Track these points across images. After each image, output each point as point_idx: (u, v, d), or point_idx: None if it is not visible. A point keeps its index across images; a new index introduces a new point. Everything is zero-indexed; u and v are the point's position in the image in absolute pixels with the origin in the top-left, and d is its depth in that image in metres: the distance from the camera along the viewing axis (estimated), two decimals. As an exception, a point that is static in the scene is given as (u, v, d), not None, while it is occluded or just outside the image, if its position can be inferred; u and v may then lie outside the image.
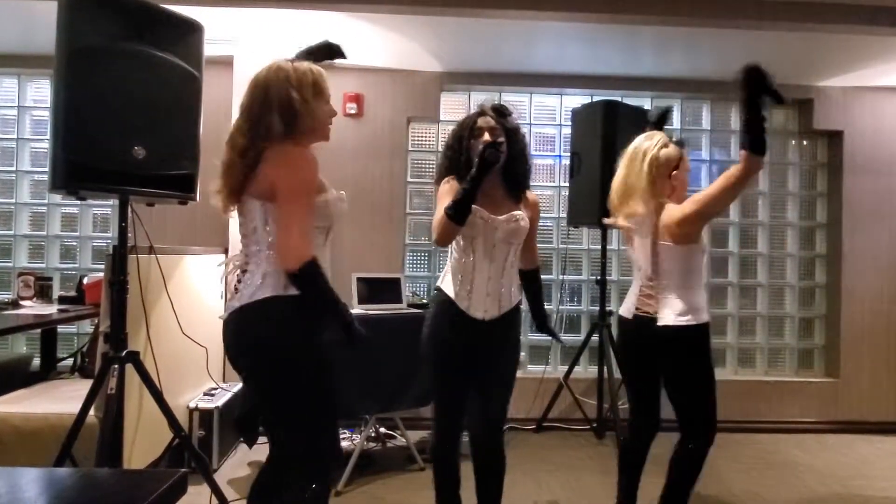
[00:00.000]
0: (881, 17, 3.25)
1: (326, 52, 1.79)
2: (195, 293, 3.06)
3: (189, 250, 3.11)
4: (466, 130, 2.06)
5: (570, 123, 3.91)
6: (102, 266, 2.91)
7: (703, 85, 4.20)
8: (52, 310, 3.09)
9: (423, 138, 4.24)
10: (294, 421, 1.65)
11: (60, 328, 3.63)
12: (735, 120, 4.38)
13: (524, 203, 2.15)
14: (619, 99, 3.88)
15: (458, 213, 1.89)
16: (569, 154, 3.88)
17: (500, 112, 2.10)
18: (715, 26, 3.30)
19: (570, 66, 4.02)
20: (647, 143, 2.33)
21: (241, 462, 3.20)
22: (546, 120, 4.34)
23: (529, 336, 4.01)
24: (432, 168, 4.17)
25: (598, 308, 3.80)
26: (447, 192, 2.02)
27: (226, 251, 3.49)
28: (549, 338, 2.34)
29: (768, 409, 4.15)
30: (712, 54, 3.71)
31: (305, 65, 1.71)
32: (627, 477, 2.43)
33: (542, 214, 4.13)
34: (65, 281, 3.97)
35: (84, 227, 4.08)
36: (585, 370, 4.15)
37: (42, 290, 3.35)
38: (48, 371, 3.36)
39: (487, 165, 1.88)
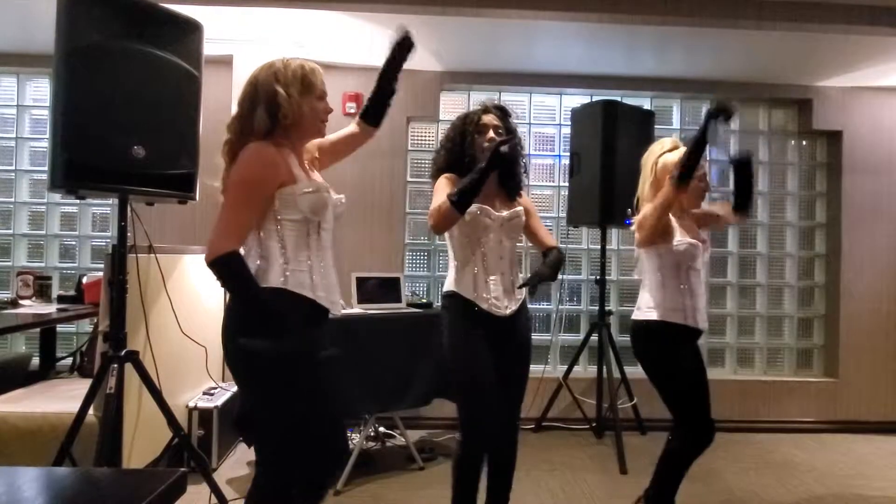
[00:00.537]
0: (881, 17, 3.25)
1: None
2: (194, 293, 3.05)
3: (188, 250, 3.10)
4: (471, 126, 2.06)
5: (569, 123, 3.90)
6: (102, 265, 2.91)
7: (703, 85, 4.20)
8: (51, 309, 3.09)
9: (423, 138, 4.24)
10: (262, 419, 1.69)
11: (59, 327, 3.62)
12: (735, 120, 4.38)
13: (519, 203, 2.17)
14: (618, 99, 3.89)
15: (461, 201, 1.88)
16: (568, 154, 3.88)
17: (503, 112, 2.12)
18: (715, 26, 3.30)
19: (569, 66, 4.02)
20: (656, 148, 2.39)
21: (241, 461, 3.20)
22: (546, 120, 4.34)
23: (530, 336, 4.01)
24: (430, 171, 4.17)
25: (597, 308, 3.80)
26: (445, 185, 2.02)
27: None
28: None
29: (767, 408, 4.15)
30: (712, 54, 3.72)
31: (298, 61, 1.73)
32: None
33: (541, 214, 4.18)
34: (64, 280, 3.97)
35: (83, 226, 4.08)
36: (585, 370, 4.15)
37: (41, 290, 3.34)
38: (47, 370, 3.36)
39: (501, 159, 1.86)
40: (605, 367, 3.65)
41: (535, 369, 4.07)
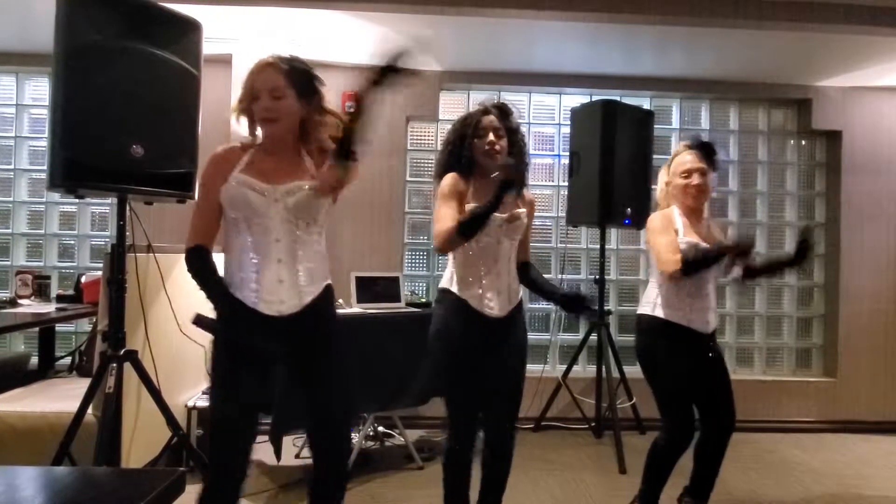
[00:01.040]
0: (880, 17, 3.25)
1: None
2: (193, 292, 3.04)
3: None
4: (470, 129, 2.05)
5: (569, 123, 3.90)
6: (101, 265, 2.91)
7: (703, 84, 4.21)
8: (50, 308, 3.08)
9: (423, 137, 4.23)
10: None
11: (58, 327, 3.62)
12: (734, 120, 4.39)
13: (522, 201, 2.16)
14: (618, 98, 3.89)
15: (470, 231, 1.91)
16: (568, 153, 3.88)
17: (503, 111, 2.10)
18: (714, 26, 3.30)
19: (569, 66, 4.02)
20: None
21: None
22: (545, 119, 4.34)
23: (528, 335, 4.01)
24: (431, 167, 4.16)
25: (596, 307, 3.80)
26: (449, 192, 2.01)
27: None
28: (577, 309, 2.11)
29: (766, 408, 4.15)
30: (711, 54, 3.72)
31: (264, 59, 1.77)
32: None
33: (541, 214, 4.21)
34: (63, 279, 3.96)
35: (82, 225, 4.07)
36: (584, 369, 4.15)
37: (40, 289, 3.34)
38: (46, 370, 3.36)
39: (509, 187, 1.88)
40: (604, 366, 3.65)
41: (534, 369, 4.09)
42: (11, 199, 4.03)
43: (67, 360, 3.51)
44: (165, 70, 2.17)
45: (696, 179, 2.31)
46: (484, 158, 2.04)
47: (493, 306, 2.06)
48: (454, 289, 2.07)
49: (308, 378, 1.77)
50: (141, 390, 2.35)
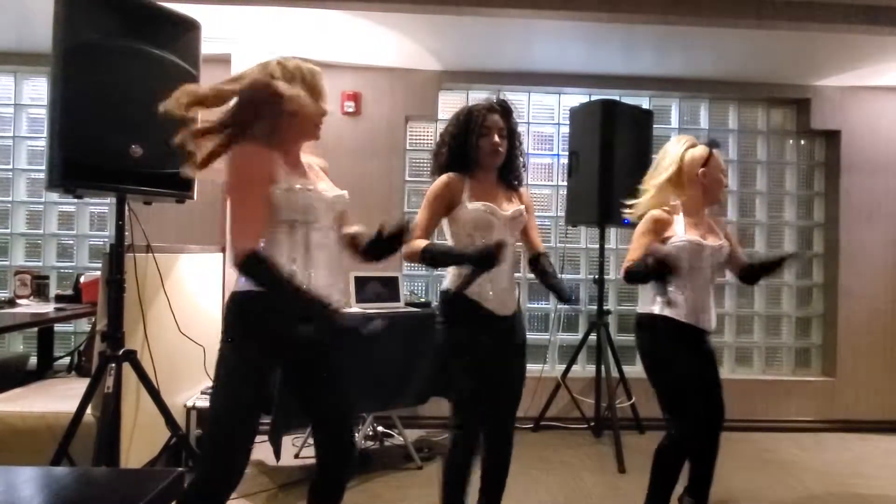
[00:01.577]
0: (879, 16, 3.25)
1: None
2: (192, 292, 3.05)
3: (186, 249, 3.10)
4: (476, 126, 2.04)
5: (568, 122, 3.90)
6: (99, 264, 2.90)
7: (702, 84, 4.21)
8: (48, 308, 3.08)
9: (421, 137, 4.23)
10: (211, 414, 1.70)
11: (57, 327, 3.62)
12: (733, 120, 4.39)
13: (519, 198, 2.18)
14: (617, 98, 3.89)
15: (432, 266, 2.12)
16: (567, 153, 3.88)
17: (506, 110, 2.11)
18: (713, 26, 3.30)
19: (568, 65, 4.02)
20: (677, 144, 2.42)
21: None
22: (544, 119, 4.34)
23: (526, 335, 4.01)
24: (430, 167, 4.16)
25: (596, 307, 3.80)
26: (438, 197, 2.03)
27: (223, 250, 3.48)
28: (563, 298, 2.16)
29: (765, 408, 4.16)
30: (711, 54, 3.72)
31: (294, 61, 1.75)
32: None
33: (540, 213, 4.22)
34: (62, 279, 3.96)
35: (81, 225, 4.07)
36: (583, 369, 4.15)
37: (39, 289, 3.34)
38: (45, 370, 3.35)
39: (485, 268, 1.89)
40: (603, 366, 3.65)
41: (534, 368, 4.09)
42: (10, 198, 4.02)
43: (66, 360, 3.50)
44: (164, 70, 2.17)
45: (726, 179, 2.38)
46: (488, 158, 2.05)
47: (498, 305, 2.07)
48: (459, 282, 2.06)
49: (320, 377, 1.78)
50: (140, 390, 2.34)
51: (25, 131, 4.06)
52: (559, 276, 2.19)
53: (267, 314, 1.63)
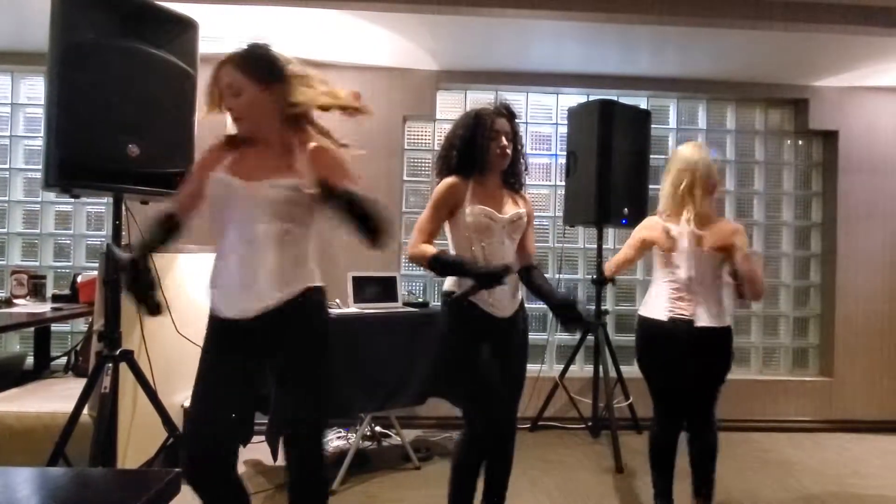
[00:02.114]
0: (876, 17, 3.26)
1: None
2: (190, 292, 3.04)
3: (184, 249, 3.09)
4: (486, 130, 2.07)
5: (566, 122, 3.90)
6: (96, 264, 2.90)
7: (700, 84, 4.21)
8: (45, 308, 3.07)
9: (419, 137, 4.23)
10: None
11: (54, 327, 3.60)
12: (731, 120, 4.40)
13: (520, 200, 2.21)
14: (615, 98, 3.89)
15: (440, 274, 2.14)
16: (565, 153, 3.88)
17: (511, 115, 2.17)
18: (711, 26, 3.30)
19: (566, 65, 4.02)
20: (700, 151, 2.44)
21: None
22: (542, 119, 4.34)
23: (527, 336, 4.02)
24: (428, 167, 4.16)
25: (593, 307, 3.80)
26: (444, 200, 2.06)
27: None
28: (576, 322, 2.14)
29: (763, 408, 4.16)
30: (708, 54, 3.72)
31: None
32: (665, 475, 2.51)
33: (538, 213, 4.21)
34: (58, 279, 3.95)
35: (78, 225, 4.06)
36: (581, 369, 4.16)
37: (35, 289, 3.33)
38: (42, 370, 3.34)
39: (488, 286, 1.94)
40: (601, 366, 3.65)
41: (532, 369, 4.05)
42: (7, 198, 4.01)
43: (63, 360, 3.49)
44: (161, 69, 2.16)
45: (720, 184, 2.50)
46: (496, 160, 2.09)
47: (499, 307, 2.09)
48: (459, 290, 2.07)
49: (280, 384, 1.74)
50: (137, 390, 2.34)
51: (22, 131, 4.04)
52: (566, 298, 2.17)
53: None
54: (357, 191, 1.63)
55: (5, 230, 4.01)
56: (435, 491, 2.22)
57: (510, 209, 2.12)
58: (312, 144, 1.68)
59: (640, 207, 3.69)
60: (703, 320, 2.36)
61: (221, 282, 1.67)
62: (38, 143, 3.92)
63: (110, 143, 2.04)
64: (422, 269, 2.33)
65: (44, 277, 3.46)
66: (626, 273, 4.34)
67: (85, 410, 2.20)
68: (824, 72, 4.00)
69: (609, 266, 2.68)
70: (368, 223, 1.63)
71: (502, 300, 2.09)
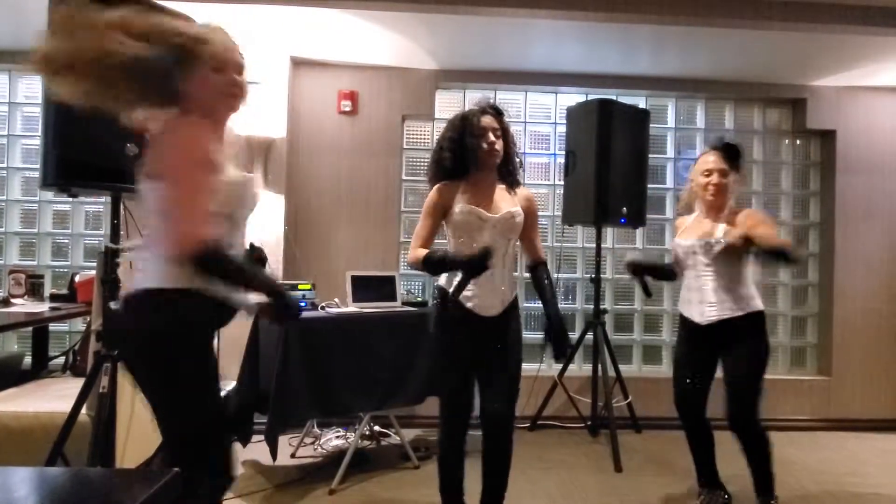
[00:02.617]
0: (874, 17, 3.27)
1: None
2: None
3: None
4: (473, 128, 2.09)
5: (565, 122, 3.90)
6: (94, 264, 2.89)
7: (698, 84, 4.22)
8: (43, 308, 3.07)
9: (418, 136, 4.23)
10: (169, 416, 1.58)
11: (52, 326, 3.59)
12: (729, 119, 4.40)
13: (518, 198, 2.22)
14: (614, 98, 3.89)
15: (432, 273, 2.14)
16: (564, 152, 3.88)
17: (498, 111, 2.17)
18: (710, 26, 3.31)
19: (565, 65, 4.02)
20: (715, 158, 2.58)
21: (235, 460, 3.18)
22: (541, 118, 4.34)
23: (524, 333, 4.02)
24: (427, 166, 4.15)
25: (592, 306, 3.80)
26: (434, 208, 2.12)
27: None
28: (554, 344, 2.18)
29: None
30: (707, 54, 3.73)
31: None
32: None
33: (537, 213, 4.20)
34: (56, 279, 3.94)
35: (76, 224, 4.05)
36: (580, 368, 4.16)
37: (33, 288, 3.32)
38: (39, 369, 3.33)
39: (474, 273, 1.95)
40: (600, 365, 3.65)
41: (531, 367, 4.08)
42: (4, 197, 4.00)
43: (61, 359, 3.48)
44: (160, 68, 2.15)
45: (714, 178, 2.48)
46: (487, 157, 2.10)
47: (487, 306, 2.11)
48: (447, 287, 2.12)
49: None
50: (135, 390, 2.33)
51: (20, 130, 4.03)
52: (559, 310, 2.21)
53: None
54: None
55: (3, 229, 4.00)
56: (434, 490, 2.22)
57: (504, 207, 2.14)
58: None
59: (638, 207, 3.70)
60: None
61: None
62: (36, 142, 3.91)
63: (108, 143, 2.03)
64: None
65: (42, 277, 3.45)
66: (624, 272, 4.33)
67: (83, 410, 2.20)
68: (822, 71, 4.01)
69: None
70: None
71: (485, 299, 2.11)
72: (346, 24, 3.33)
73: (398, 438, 3.31)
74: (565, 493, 2.92)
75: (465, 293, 2.05)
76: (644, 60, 3.90)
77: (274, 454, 2.81)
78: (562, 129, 4.07)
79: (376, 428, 3.51)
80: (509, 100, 4.22)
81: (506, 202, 2.17)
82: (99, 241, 3.97)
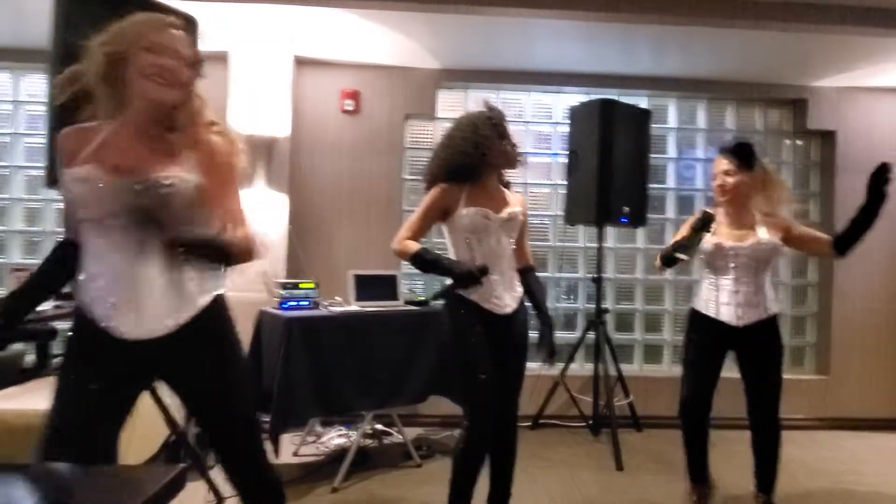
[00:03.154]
0: (874, 18, 3.27)
1: None
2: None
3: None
4: (505, 132, 2.15)
5: (567, 121, 3.91)
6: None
7: (699, 84, 4.22)
8: (46, 306, 3.07)
9: (421, 135, 4.23)
10: None
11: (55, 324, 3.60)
12: (731, 120, 4.40)
13: (515, 199, 2.26)
14: (616, 97, 3.89)
15: (421, 270, 2.15)
16: (566, 152, 3.88)
17: (502, 116, 2.21)
18: (711, 26, 3.31)
19: (567, 65, 4.02)
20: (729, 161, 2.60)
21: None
22: (543, 118, 4.34)
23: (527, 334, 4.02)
24: (427, 164, 4.15)
25: (594, 305, 3.81)
26: (437, 204, 2.13)
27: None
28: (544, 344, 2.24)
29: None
30: (708, 54, 3.73)
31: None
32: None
33: (538, 212, 4.22)
34: (59, 277, 3.94)
35: (78, 222, 4.05)
36: (581, 367, 4.16)
37: (36, 287, 3.32)
38: (42, 367, 3.34)
39: (466, 285, 2.01)
40: (601, 364, 3.66)
41: (532, 367, 4.07)
42: (8, 196, 4.01)
43: (64, 357, 3.49)
44: (163, 67, 2.16)
45: (719, 180, 2.51)
46: (512, 162, 2.18)
47: (500, 304, 2.14)
48: (463, 290, 2.12)
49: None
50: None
51: (23, 128, 4.04)
52: (549, 315, 2.31)
53: None
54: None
55: (6, 228, 4.01)
56: (436, 489, 2.23)
57: (507, 208, 2.17)
58: None
59: (639, 207, 3.70)
60: None
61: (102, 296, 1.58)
62: (39, 140, 3.92)
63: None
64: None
65: (44, 275, 3.45)
66: (625, 271, 4.35)
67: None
68: (823, 72, 4.01)
69: None
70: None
71: (502, 297, 2.14)
72: (348, 24, 3.34)
73: (400, 437, 3.32)
74: (566, 492, 2.93)
75: (482, 291, 2.08)
76: (645, 60, 3.90)
77: (276, 453, 2.81)
78: (564, 128, 4.07)
79: (378, 427, 3.51)
80: (512, 99, 4.23)
81: (507, 203, 2.20)
82: (101, 240, 3.97)
